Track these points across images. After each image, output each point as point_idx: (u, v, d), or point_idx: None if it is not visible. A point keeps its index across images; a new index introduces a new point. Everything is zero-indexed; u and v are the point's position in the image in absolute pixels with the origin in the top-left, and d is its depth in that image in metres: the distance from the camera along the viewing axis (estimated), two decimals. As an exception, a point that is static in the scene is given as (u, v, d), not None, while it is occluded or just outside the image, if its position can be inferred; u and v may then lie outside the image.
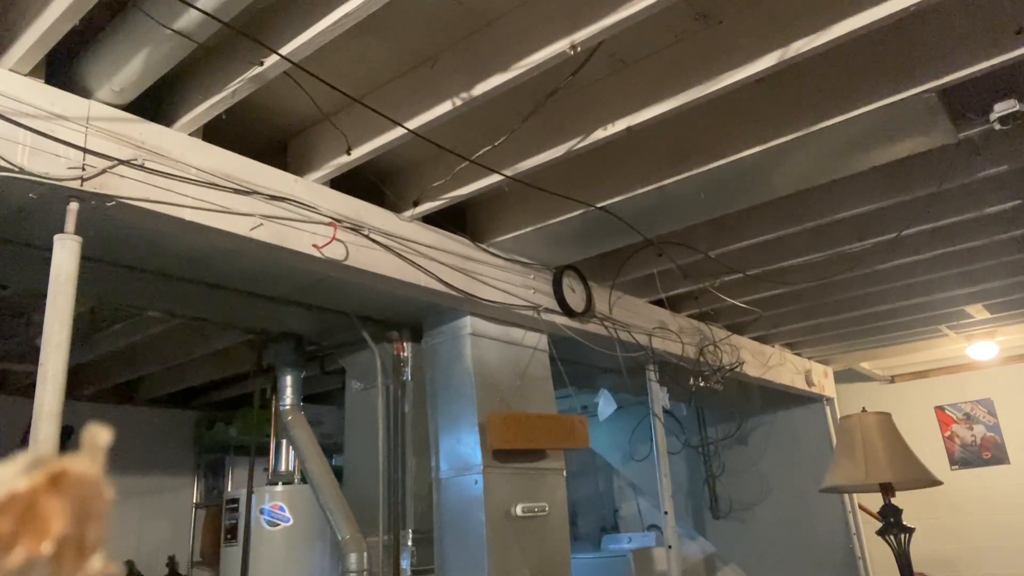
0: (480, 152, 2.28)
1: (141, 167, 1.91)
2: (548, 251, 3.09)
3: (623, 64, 2.16)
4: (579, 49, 1.81)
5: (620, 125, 2.17)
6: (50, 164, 1.76)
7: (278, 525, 3.11)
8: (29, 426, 1.65)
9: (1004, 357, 5.38)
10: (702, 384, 4.00)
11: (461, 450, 2.80)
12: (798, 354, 5.30)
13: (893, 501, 3.22)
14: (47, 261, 1.74)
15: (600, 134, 2.21)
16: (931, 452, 5.39)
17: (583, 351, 3.35)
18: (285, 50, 1.77)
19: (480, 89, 1.97)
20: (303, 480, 3.21)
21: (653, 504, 4.95)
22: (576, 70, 1.98)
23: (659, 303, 3.87)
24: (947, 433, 5.57)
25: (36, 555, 0.20)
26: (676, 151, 2.47)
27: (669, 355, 3.84)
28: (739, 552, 5.16)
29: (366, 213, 2.49)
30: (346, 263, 2.35)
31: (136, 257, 2.32)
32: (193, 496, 5.11)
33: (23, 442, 1.76)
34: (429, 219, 2.72)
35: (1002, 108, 2.16)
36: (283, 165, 2.37)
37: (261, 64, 1.82)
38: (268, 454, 3.43)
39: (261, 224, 2.13)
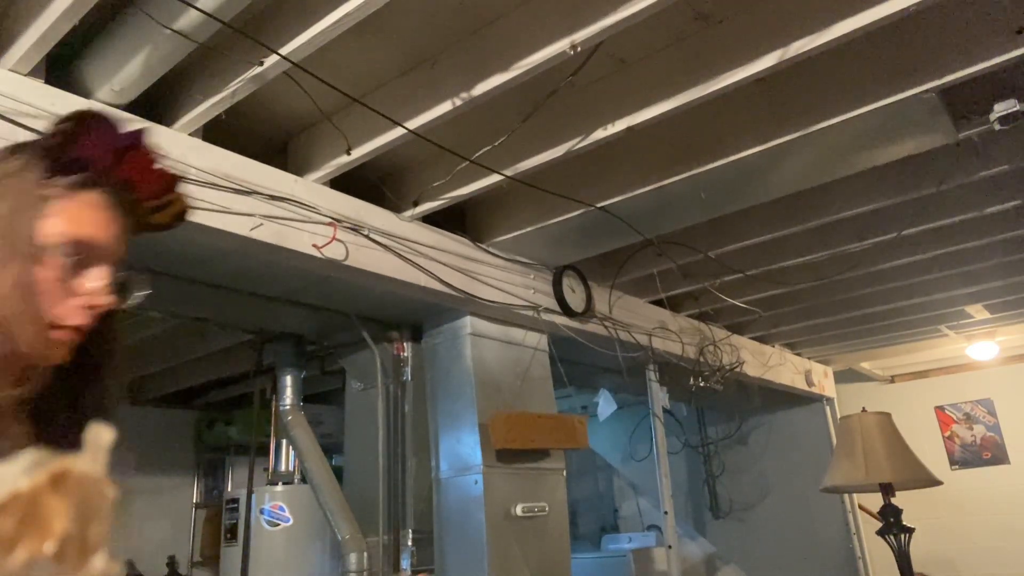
0: (480, 152, 2.28)
1: (141, 167, 1.91)
2: (548, 251, 3.09)
3: (623, 64, 2.16)
4: (579, 49, 1.81)
5: (620, 125, 2.17)
6: (50, 164, 1.75)
7: (278, 525, 3.11)
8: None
9: (1004, 357, 5.38)
10: (702, 384, 4.00)
11: (461, 450, 2.80)
12: (798, 354, 5.30)
13: (893, 501, 3.22)
14: (47, 261, 1.73)
15: (600, 134, 2.21)
16: (931, 452, 5.39)
17: (583, 351, 3.35)
18: (285, 50, 1.77)
19: (480, 89, 1.97)
20: (303, 480, 3.21)
21: (653, 504, 4.95)
22: (576, 70, 1.98)
23: (659, 303, 3.87)
24: (947, 433, 5.57)
25: (38, 554, 0.20)
26: (676, 151, 2.47)
27: (669, 355, 3.84)
28: (739, 552, 5.16)
29: (366, 213, 2.49)
30: (346, 263, 2.35)
31: (136, 257, 2.32)
32: (193, 496, 5.11)
33: (23, 442, 1.76)
34: (429, 219, 2.72)
35: (1002, 108, 2.16)
36: (283, 165, 2.37)
37: (261, 64, 1.82)
38: (268, 454, 3.43)
39: (261, 224, 2.13)
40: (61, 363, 0.83)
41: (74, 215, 0.81)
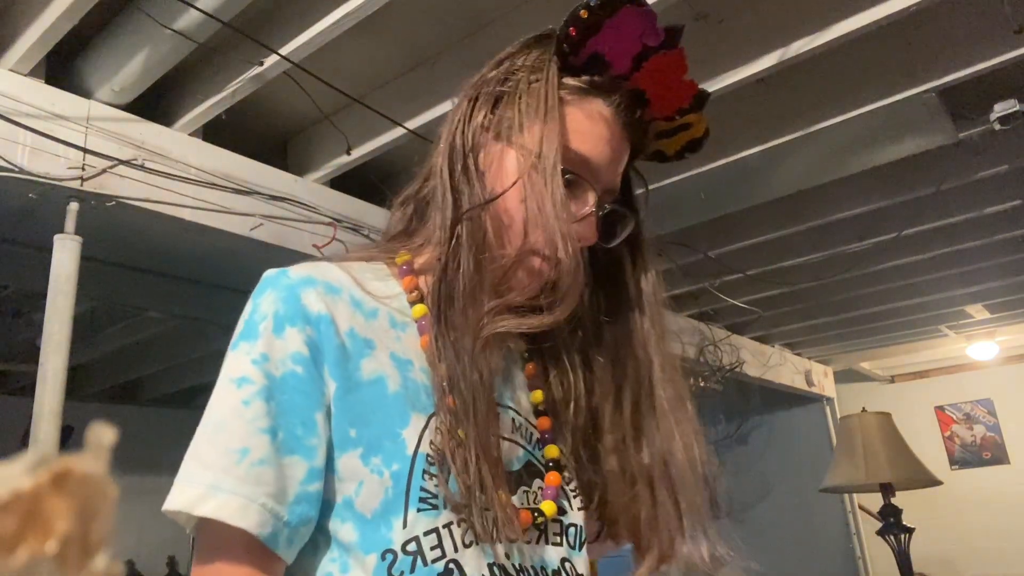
0: (480, 152, 2.28)
1: (141, 167, 1.91)
2: (548, 251, 3.08)
3: (623, 64, 2.16)
4: (579, 49, 1.80)
5: (620, 125, 2.16)
6: (50, 164, 1.76)
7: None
8: (29, 426, 1.65)
9: (1004, 357, 5.38)
10: (702, 384, 4.00)
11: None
12: (798, 354, 5.30)
13: (893, 501, 3.22)
14: (47, 261, 1.74)
15: (600, 134, 2.20)
16: (931, 452, 5.38)
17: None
18: (285, 50, 1.77)
19: (480, 89, 1.97)
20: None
21: (653, 504, 4.95)
22: (576, 70, 1.97)
23: (659, 303, 3.87)
24: (947, 433, 5.57)
25: (40, 554, 0.20)
26: (676, 151, 2.47)
27: (669, 355, 3.83)
28: (739, 552, 5.16)
29: (366, 213, 2.48)
30: (346, 263, 2.34)
31: (136, 257, 2.32)
32: (193, 496, 5.10)
33: (23, 442, 1.76)
34: (429, 219, 2.71)
35: (1002, 108, 2.16)
36: (283, 165, 2.37)
37: (261, 64, 1.82)
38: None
39: (261, 224, 2.13)
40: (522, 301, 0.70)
41: (577, 125, 0.68)
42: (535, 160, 0.66)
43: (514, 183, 0.67)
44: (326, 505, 0.63)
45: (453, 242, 0.66)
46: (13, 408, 4.01)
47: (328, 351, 0.63)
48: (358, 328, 0.66)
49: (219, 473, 0.59)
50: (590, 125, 0.69)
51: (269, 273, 0.68)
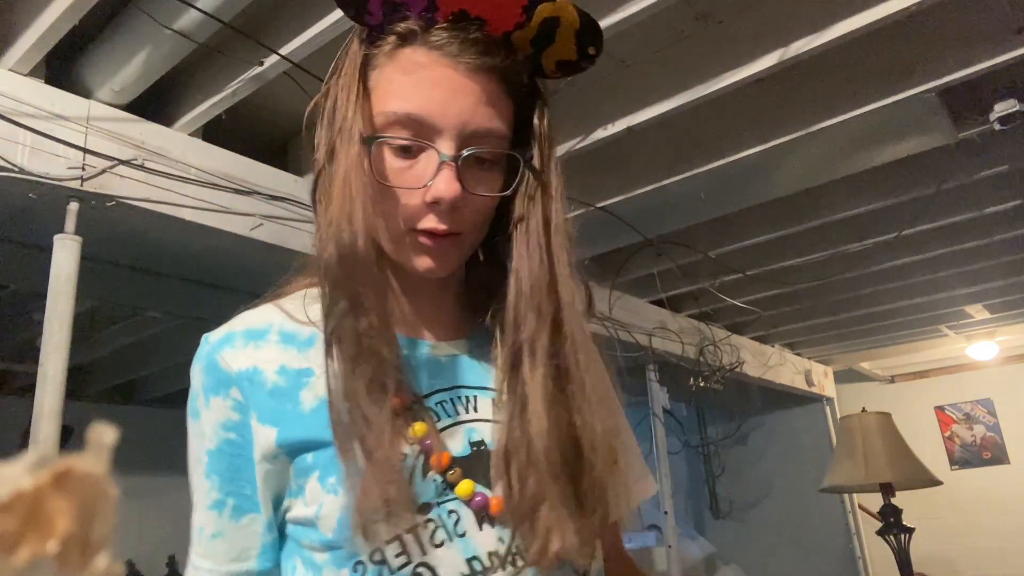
0: (480, 152, 2.28)
1: (141, 167, 1.91)
2: (548, 251, 3.08)
3: (623, 64, 2.16)
4: (579, 49, 1.80)
5: (620, 125, 2.17)
6: (50, 164, 1.76)
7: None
8: (29, 426, 1.65)
9: (1004, 357, 5.38)
10: (702, 384, 4.00)
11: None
12: (798, 354, 5.30)
13: (893, 501, 3.23)
14: (47, 261, 1.74)
15: (600, 134, 2.21)
16: (931, 452, 5.38)
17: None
18: (285, 50, 1.77)
19: (480, 89, 1.97)
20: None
21: (653, 504, 4.95)
22: (576, 70, 1.97)
23: (659, 303, 3.87)
24: (947, 433, 5.57)
25: (41, 554, 0.20)
26: (676, 151, 2.47)
27: (669, 355, 3.84)
28: (739, 552, 5.16)
29: (366, 213, 2.48)
30: (346, 263, 2.34)
31: (136, 257, 2.32)
32: (193, 496, 5.10)
33: (23, 442, 1.76)
34: (429, 219, 2.71)
35: (1002, 108, 2.16)
36: (283, 165, 2.37)
37: (261, 64, 1.82)
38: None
39: (261, 224, 2.13)
40: (453, 279, 0.72)
41: (387, 85, 0.63)
42: (339, 137, 0.62)
43: (320, 169, 0.65)
44: (300, 528, 0.65)
45: (319, 243, 0.65)
46: (13, 408, 4.01)
47: (257, 402, 0.65)
48: (290, 362, 0.66)
49: (193, 554, 0.68)
50: (404, 77, 0.62)
51: (202, 340, 0.69)
